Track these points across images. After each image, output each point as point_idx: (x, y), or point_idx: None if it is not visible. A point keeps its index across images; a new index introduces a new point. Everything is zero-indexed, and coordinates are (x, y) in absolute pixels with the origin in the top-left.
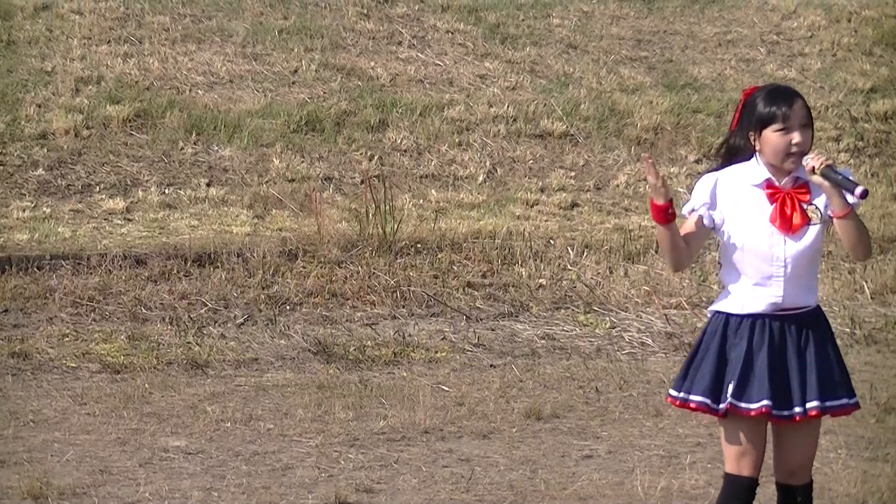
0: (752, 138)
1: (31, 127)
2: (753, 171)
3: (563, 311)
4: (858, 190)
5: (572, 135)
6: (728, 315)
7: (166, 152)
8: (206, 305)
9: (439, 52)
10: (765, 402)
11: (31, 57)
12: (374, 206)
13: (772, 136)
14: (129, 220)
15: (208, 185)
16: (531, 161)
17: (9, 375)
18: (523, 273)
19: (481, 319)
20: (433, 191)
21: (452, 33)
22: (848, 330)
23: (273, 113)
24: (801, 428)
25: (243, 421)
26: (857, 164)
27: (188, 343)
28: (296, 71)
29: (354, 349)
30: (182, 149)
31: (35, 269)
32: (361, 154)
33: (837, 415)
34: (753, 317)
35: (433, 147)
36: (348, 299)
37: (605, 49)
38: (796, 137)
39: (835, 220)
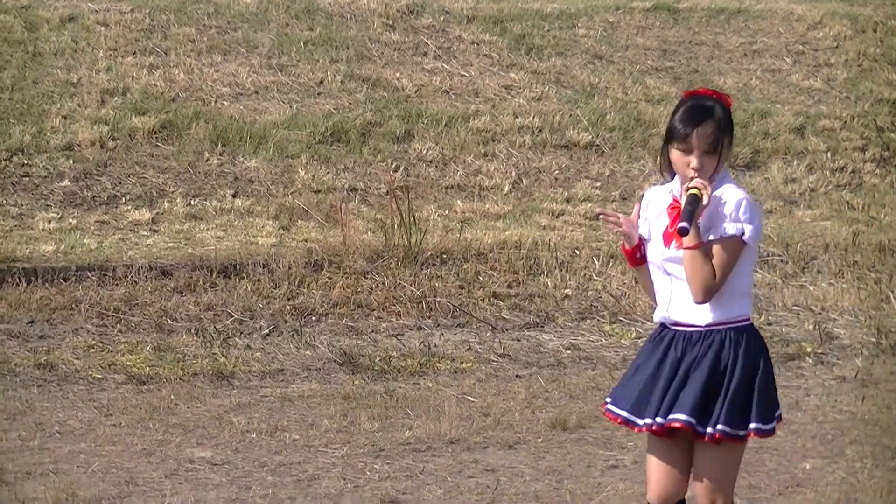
0: (666, 149)
1: (56, 138)
2: (675, 182)
3: (588, 321)
4: (679, 224)
5: (598, 145)
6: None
7: (192, 163)
8: (232, 316)
9: (465, 62)
10: (624, 412)
11: (56, 68)
12: (399, 216)
13: (674, 153)
14: (155, 231)
15: (234, 196)
16: (556, 171)
17: (35, 387)
18: (549, 283)
19: (507, 330)
20: (458, 201)
21: (478, 44)
22: (874, 340)
23: (298, 124)
24: (700, 448)
25: (269, 432)
26: (882, 174)
27: (214, 354)
28: (321, 82)
29: (380, 360)
30: (208, 160)
31: (61, 281)
32: (387, 165)
33: (703, 440)
34: (661, 326)
35: (458, 158)
36: (374, 310)
37: (631, 59)
38: (693, 161)
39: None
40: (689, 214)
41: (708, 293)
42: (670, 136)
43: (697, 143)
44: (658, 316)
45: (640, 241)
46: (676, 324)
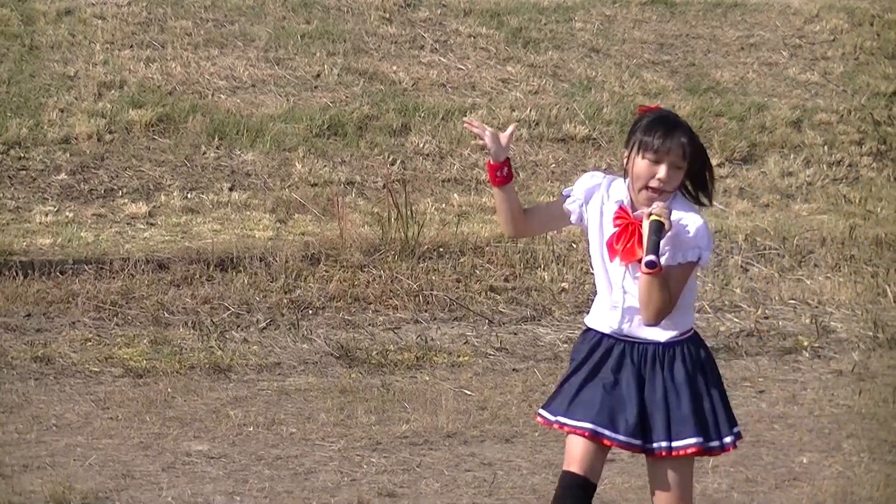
0: (624, 157)
1: (53, 131)
2: (620, 189)
3: (585, 314)
4: (646, 258)
5: (595, 139)
6: (588, 329)
7: (189, 157)
8: (229, 310)
9: (461, 56)
10: (587, 423)
11: (53, 61)
12: (396, 210)
13: (640, 162)
14: (152, 224)
15: (231, 189)
16: (553, 165)
17: (31, 380)
18: (546, 277)
19: (504, 323)
20: (455, 195)
21: (475, 37)
22: (871, 334)
23: (295, 117)
24: (661, 465)
25: (266, 425)
26: (879, 167)
27: (211, 347)
28: (318, 75)
29: (377, 353)
30: (205, 153)
31: (58, 274)
32: (384, 158)
33: (656, 457)
34: (601, 334)
35: (455, 151)
36: (371, 303)
37: (628, 53)
38: (661, 172)
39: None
40: (655, 246)
41: (661, 317)
42: (641, 145)
43: (669, 154)
44: (606, 327)
45: (508, 161)
46: (630, 337)
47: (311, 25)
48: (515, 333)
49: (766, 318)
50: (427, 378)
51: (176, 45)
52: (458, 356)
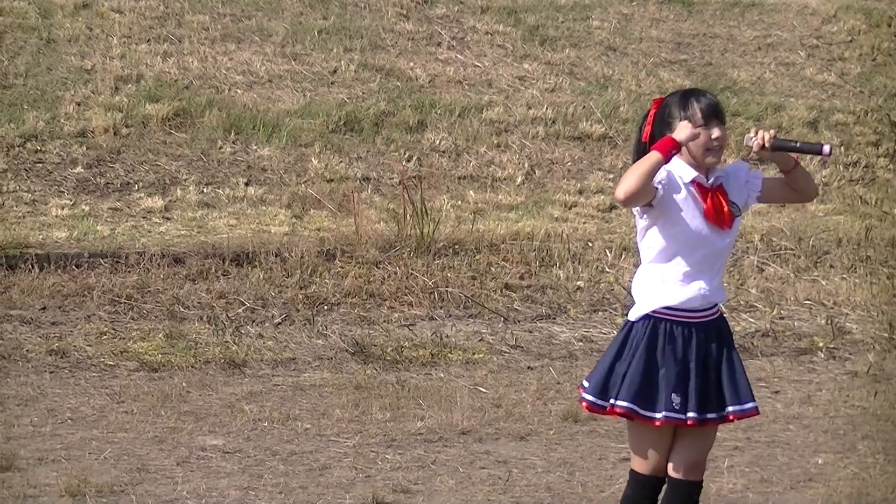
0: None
1: (70, 125)
2: (682, 169)
3: (600, 313)
4: (826, 148)
5: (611, 137)
6: (656, 318)
7: (205, 151)
8: (244, 305)
9: (478, 53)
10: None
11: (70, 55)
12: (411, 206)
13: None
14: (168, 218)
15: (247, 184)
16: (569, 163)
17: (47, 373)
18: (561, 275)
19: (519, 321)
20: (471, 192)
21: (492, 35)
22: (886, 335)
23: (312, 113)
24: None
25: (281, 420)
26: (895, 168)
27: (226, 342)
28: (335, 71)
29: (392, 350)
30: (221, 148)
31: (73, 267)
32: (400, 155)
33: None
34: (678, 323)
35: (472, 148)
36: (386, 300)
37: (645, 51)
38: (716, 132)
39: (787, 175)
40: (808, 144)
41: None
42: (689, 119)
43: (715, 115)
44: (686, 301)
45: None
46: (704, 309)
47: (328, 21)
48: (530, 331)
49: (782, 318)
50: (442, 375)
51: (193, 40)
52: (473, 353)
